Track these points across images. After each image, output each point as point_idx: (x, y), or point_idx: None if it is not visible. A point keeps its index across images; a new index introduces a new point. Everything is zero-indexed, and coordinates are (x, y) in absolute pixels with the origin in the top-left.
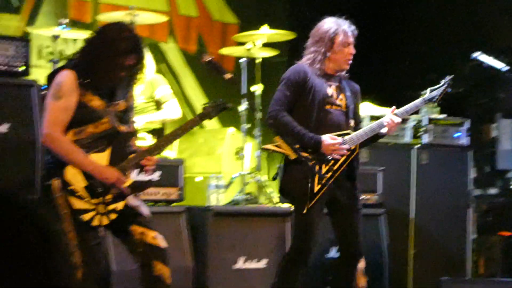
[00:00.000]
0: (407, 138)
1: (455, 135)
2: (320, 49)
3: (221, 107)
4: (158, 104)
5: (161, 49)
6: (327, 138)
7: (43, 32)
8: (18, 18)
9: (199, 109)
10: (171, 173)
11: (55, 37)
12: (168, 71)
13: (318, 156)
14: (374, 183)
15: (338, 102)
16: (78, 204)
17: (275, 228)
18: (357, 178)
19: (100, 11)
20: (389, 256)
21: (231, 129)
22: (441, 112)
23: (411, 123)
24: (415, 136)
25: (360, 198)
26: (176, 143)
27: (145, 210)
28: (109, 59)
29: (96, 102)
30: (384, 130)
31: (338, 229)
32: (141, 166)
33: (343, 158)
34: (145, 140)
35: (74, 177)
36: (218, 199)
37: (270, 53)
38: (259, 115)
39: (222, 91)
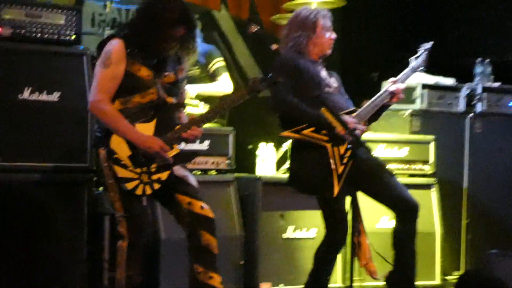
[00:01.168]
0: (461, 106)
1: (510, 103)
2: (304, 34)
3: (270, 81)
4: (212, 77)
5: (214, 17)
6: (347, 118)
7: (94, 1)
8: None
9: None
10: (221, 142)
11: (105, 5)
12: (220, 39)
13: (334, 137)
14: (426, 152)
15: (333, 84)
16: (122, 172)
17: None
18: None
19: None
20: (441, 227)
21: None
22: (495, 80)
23: (464, 92)
24: (469, 104)
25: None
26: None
27: (192, 180)
28: (157, 30)
29: (144, 72)
30: (387, 100)
31: (381, 195)
32: (185, 139)
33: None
34: (197, 107)
35: (119, 146)
36: (268, 168)
37: None
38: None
39: (271, 60)
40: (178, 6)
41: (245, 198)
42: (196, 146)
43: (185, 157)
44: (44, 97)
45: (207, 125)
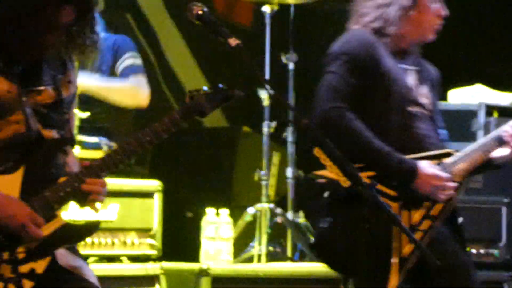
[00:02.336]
0: None
1: None
2: (396, 3)
3: (223, 96)
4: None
5: None
6: (427, 167)
7: None
8: None
9: (187, 86)
10: (140, 207)
11: None
12: (137, 26)
13: (407, 194)
14: (495, 225)
15: (422, 100)
16: None
17: None
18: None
19: None
20: None
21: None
22: None
23: None
24: None
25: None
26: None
27: (90, 274)
28: (26, 14)
29: (1, 86)
30: (503, 152)
31: None
32: (81, 195)
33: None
34: (99, 150)
35: None
36: (220, 252)
37: None
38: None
39: (228, 63)
40: None
41: None
42: (97, 213)
43: (76, 233)
44: None
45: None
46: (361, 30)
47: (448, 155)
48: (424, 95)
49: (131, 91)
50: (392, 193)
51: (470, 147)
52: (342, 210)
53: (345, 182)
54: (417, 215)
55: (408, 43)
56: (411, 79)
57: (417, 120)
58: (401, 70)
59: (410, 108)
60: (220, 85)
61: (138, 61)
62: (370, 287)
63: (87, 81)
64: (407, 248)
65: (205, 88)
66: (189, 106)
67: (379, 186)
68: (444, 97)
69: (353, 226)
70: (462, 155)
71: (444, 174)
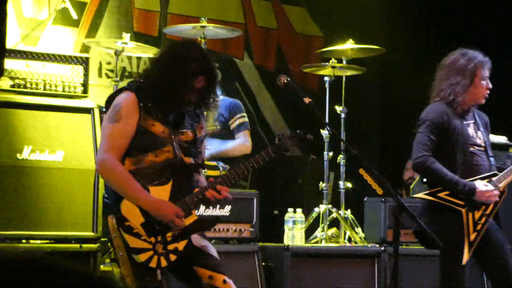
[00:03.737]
0: None
1: None
2: (460, 82)
3: (300, 138)
4: (232, 132)
5: (236, 65)
6: (481, 185)
7: (102, 49)
8: (77, 31)
9: (275, 131)
10: (244, 207)
11: (117, 53)
12: (243, 90)
13: (470, 203)
14: None
15: (478, 141)
16: (134, 242)
17: (361, 270)
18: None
19: (168, 23)
20: None
21: (312, 157)
22: None
23: None
24: None
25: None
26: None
27: (213, 250)
28: (175, 81)
29: (158, 128)
30: None
31: (493, 268)
32: (208, 200)
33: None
34: (217, 170)
35: (131, 212)
36: (296, 236)
37: (356, 71)
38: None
39: (302, 113)
40: (198, 54)
41: (271, 271)
42: (216, 211)
43: (205, 225)
44: (46, 156)
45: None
46: (439, 102)
47: (495, 175)
48: (479, 138)
49: (240, 147)
50: (461, 202)
51: (509, 168)
52: (434, 213)
53: (380, 191)
54: (477, 215)
55: (468, 106)
56: (470, 130)
57: (475, 155)
58: (465, 125)
59: (471, 149)
60: (299, 131)
61: (246, 119)
62: (451, 259)
63: (214, 149)
64: (473, 236)
65: (288, 132)
66: (278, 145)
67: (452, 199)
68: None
69: (441, 222)
70: (503, 174)
71: (491, 187)
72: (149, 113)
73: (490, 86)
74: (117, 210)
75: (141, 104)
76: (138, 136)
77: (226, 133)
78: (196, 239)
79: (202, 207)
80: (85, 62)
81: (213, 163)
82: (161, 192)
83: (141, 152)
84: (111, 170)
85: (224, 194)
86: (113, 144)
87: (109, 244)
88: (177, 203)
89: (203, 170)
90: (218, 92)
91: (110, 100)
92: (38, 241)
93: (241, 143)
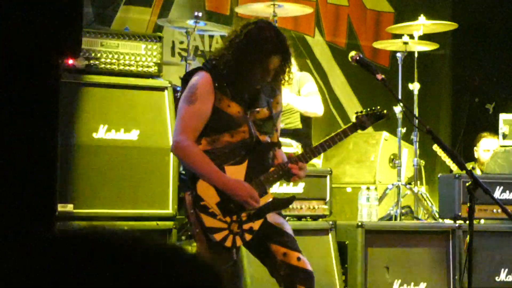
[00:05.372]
0: None
1: None
2: None
3: (377, 116)
4: None
5: (307, 43)
6: None
7: (175, 28)
8: (150, 11)
9: (348, 109)
10: (317, 184)
11: (189, 31)
12: (314, 68)
13: None
14: None
15: None
16: (210, 221)
17: (435, 247)
18: None
19: (240, 1)
20: None
21: (385, 134)
22: None
23: None
24: None
25: None
26: None
27: (288, 228)
28: (251, 62)
29: (233, 108)
30: None
31: None
32: (286, 176)
33: None
34: (291, 147)
35: (207, 191)
36: (370, 213)
37: (429, 46)
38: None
39: (374, 90)
40: (273, 34)
41: (345, 248)
42: (290, 189)
43: (280, 204)
44: (121, 135)
45: None
46: None
47: None
48: None
49: (313, 102)
50: None
51: None
52: None
53: (454, 166)
54: None
55: None
56: None
57: None
58: None
59: None
60: (375, 108)
61: (315, 87)
62: None
63: (288, 97)
64: None
65: (366, 110)
66: (356, 123)
67: None
68: None
69: None
70: None
71: None
72: (225, 93)
73: None
74: (193, 188)
75: (216, 84)
76: (214, 117)
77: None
78: (272, 216)
79: (276, 185)
80: (158, 41)
81: (288, 143)
82: (236, 172)
83: (217, 132)
84: (186, 152)
85: (304, 172)
86: (189, 125)
87: (185, 221)
88: (252, 183)
89: (278, 148)
90: (294, 69)
91: (186, 78)
92: (115, 220)
93: (313, 99)
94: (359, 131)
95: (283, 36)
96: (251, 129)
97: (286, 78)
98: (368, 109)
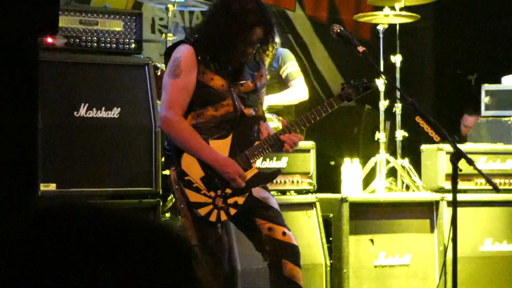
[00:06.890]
0: None
1: None
2: None
3: (364, 87)
4: (284, 82)
5: (289, 17)
6: None
7: (154, 4)
8: None
9: (330, 83)
10: (301, 158)
11: (168, 7)
12: (295, 42)
13: None
14: None
15: None
16: (194, 196)
17: (420, 218)
18: None
19: None
20: None
21: (368, 107)
22: None
23: None
24: None
25: None
26: None
27: (274, 202)
28: (233, 34)
29: (217, 82)
30: None
31: None
32: (277, 146)
33: None
34: (271, 121)
35: (191, 166)
36: (354, 186)
37: (410, 18)
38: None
39: (356, 64)
40: (255, 5)
41: (330, 222)
42: (273, 164)
43: (265, 178)
44: (102, 113)
45: None
46: None
47: None
48: None
49: (294, 91)
50: None
51: None
52: None
53: (437, 138)
54: None
55: None
56: None
57: None
58: None
59: None
60: (363, 80)
61: (297, 67)
62: None
63: (268, 100)
64: None
65: (352, 81)
66: (341, 94)
67: None
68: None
69: None
70: None
71: None
72: (208, 66)
73: None
74: (177, 163)
75: (199, 57)
76: (198, 91)
77: (274, 83)
78: (257, 190)
79: (259, 160)
80: (138, 18)
81: (269, 117)
82: (221, 146)
83: (201, 106)
84: (174, 127)
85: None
86: (176, 100)
87: (171, 196)
88: (237, 157)
89: (263, 121)
90: (277, 39)
91: (168, 51)
92: (98, 199)
93: (296, 89)
94: (344, 103)
95: (265, 7)
96: (235, 102)
97: (270, 48)
98: (355, 81)
